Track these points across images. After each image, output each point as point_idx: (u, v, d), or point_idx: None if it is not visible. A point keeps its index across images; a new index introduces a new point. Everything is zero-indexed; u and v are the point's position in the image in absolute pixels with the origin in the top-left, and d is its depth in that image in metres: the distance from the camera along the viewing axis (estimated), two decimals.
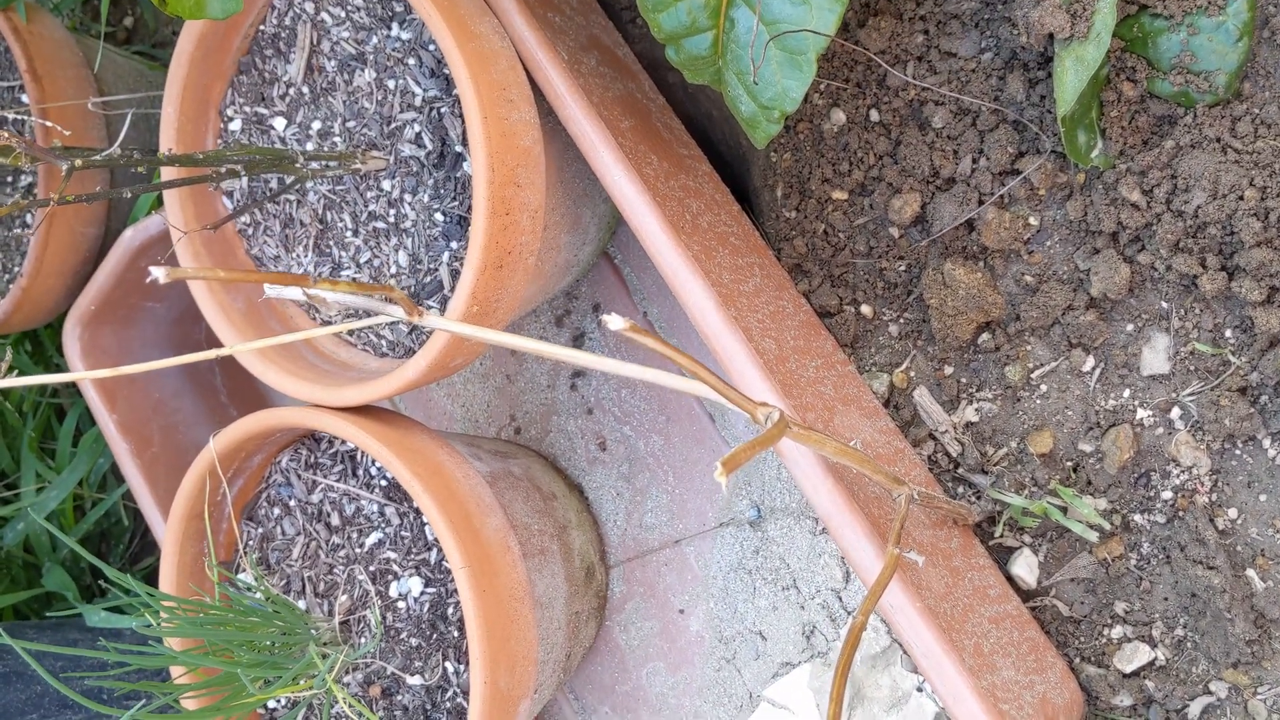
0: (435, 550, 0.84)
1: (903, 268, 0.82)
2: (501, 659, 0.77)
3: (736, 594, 0.89)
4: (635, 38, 0.96)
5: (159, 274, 0.42)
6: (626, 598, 0.95)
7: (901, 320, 0.82)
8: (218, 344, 1.14)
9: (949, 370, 0.81)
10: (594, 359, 0.58)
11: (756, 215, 0.91)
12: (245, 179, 0.91)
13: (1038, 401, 0.78)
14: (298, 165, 0.81)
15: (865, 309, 0.83)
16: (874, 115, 0.81)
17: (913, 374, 0.82)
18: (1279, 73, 0.69)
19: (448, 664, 0.83)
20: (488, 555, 0.79)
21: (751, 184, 0.93)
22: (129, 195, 0.69)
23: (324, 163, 0.83)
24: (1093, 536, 0.76)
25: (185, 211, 0.90)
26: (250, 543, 0.92)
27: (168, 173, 0.90)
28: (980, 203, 0.77)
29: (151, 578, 1.27)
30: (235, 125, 0.90)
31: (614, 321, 0.49)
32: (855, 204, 0.83)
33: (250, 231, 0.92)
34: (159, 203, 1.11)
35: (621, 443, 0.96)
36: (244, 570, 0.92)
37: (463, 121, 0.80)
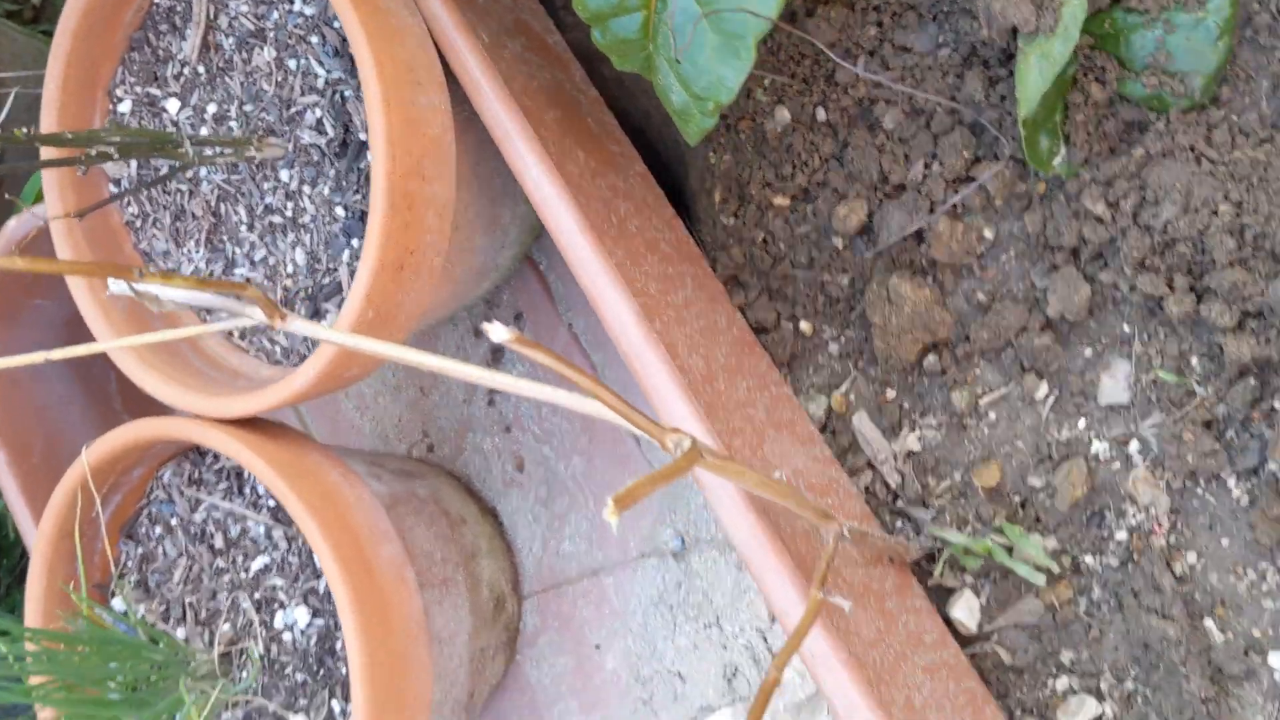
0: (325, 579, 0.76)
1: (845, 281, 0.75)
2: (389, 701, 0.70)
3: (656, 631, 0.82)
4: (569, 26, 0.89)
5: None
6: (540, 631, 0.88)
7: (842, 339, 0.76)
8: None
9: (891, 394, 0.74)
10: (484, 374, 0.50)
11: (693, 222, 0.84)
12: (135, 166, 0.83)
13: (985, 430, 0.72)
14: (183, 150, 0.73)
15: (804, 325, 0.77)
16: (821, 114, 0.75)
17: (853, 397, 0.75)
18: (1261, 76, 0.63)
19: (334, 702, 0.75)
20: (378, 588, 0.71)
21: (689, 188, 0.86)
22: None
23: (215, 149, 0.75)
24: (1040, 579, 0.69)
25: (66, 201, 0.82)
26: (129, 563, 0.83)
27: (49, 157, 0.82)
28: (931, 211, 0.71)
29: None
30: (125, 107, 0.82)
31: (497, 332, 0.42)
32: (798, 211, 0.76)
33: (139, 224, 0.84)
34: None
35: (540, 464, 0.89)
36: (120, 594, 0.83)
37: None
